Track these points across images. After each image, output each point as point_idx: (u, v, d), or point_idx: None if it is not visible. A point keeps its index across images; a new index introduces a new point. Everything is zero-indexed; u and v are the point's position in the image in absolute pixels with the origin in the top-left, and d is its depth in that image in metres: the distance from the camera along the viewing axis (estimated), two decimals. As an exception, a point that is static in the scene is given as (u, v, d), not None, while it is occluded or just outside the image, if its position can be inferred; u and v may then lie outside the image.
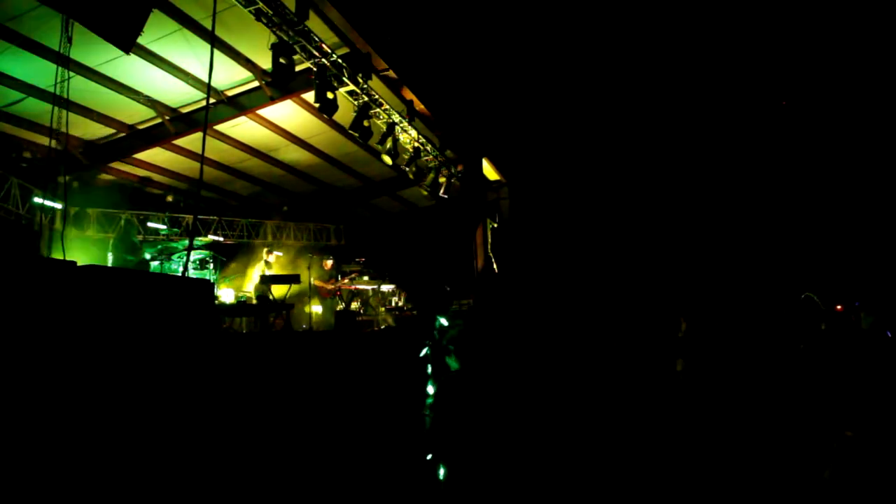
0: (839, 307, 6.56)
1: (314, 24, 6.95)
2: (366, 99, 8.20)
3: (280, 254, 10.54)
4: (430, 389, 4.76)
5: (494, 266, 11.35)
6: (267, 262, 9.62)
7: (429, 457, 4.24)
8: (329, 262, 10.19)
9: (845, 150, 12.44)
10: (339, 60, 7.51)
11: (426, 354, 5.05)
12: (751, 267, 12.54)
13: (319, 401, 4.75)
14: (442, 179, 11.15)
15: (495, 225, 12.44)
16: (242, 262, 10.47)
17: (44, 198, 8.99)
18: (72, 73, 6.76)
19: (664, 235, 14.13)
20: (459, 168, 11.62)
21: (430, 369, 4.98)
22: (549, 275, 13.21)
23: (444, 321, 5.12)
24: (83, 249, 9.14)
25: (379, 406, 5.30)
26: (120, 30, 5.34)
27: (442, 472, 4.14)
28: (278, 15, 6.36)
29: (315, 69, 7.26)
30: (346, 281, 10.35)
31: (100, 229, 10.38)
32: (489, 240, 11.79)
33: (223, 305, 7.72)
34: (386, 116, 8.84)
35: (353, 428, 4.81)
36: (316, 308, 9.97)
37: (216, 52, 6.47)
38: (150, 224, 9.85)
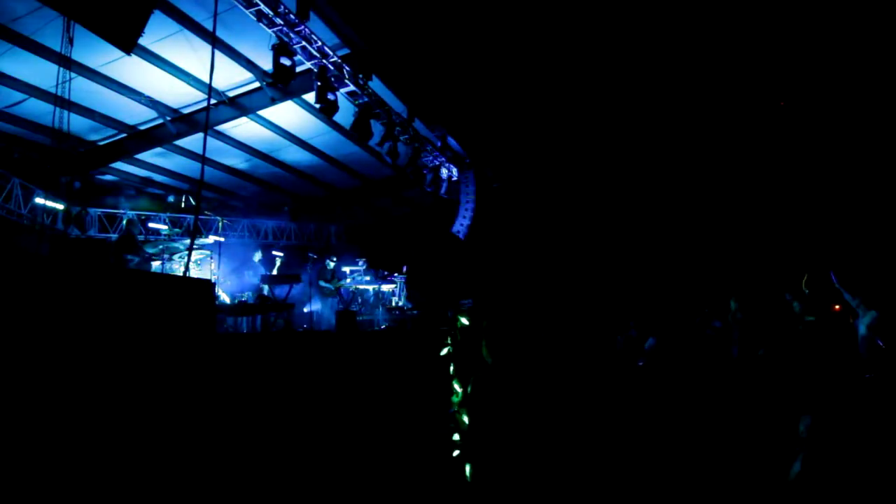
0: (837, 307, 6.54)
1: (315, 24, 6.97)
2: (366, 100, 8.22)
3: (281, 254, 10.56)
4: (456, 387, 4.76)
5: (491, 266, 11.36)
6: (268, 262, 9.65)
7: (456, 453, 4.24)
8: (332, 263, 10.22)
9: (833, 150, 12.49)
10: (340, 61, 7.54)
11: (449, 352, 5.04)
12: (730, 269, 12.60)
13: (321, 401, 4.77)
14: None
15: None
16: (243, 263, 10.50)
17: (45, 198, 9.03)
18: (73, 74, 6.80)
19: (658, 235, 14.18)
20: (460, 168, 11.65)
21: (452, 368, 4.98)
22: (536, 273, 13.24)
23: (464, 320, 5.11)
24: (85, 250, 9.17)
25: (382, 405, 5.32)
26: (121, 31, 5.36)
27: (468, 470, 4.15)
28: (279, 16, 6.39)
29: (316, 70, 7.29)
30: (346, 281, 10.38)
31: (101, 230, 10.42)
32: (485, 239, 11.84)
33: (224, 305, 7.73)
34: (386, 117, 8.87)
35: (356, 427, 4.83)
36: (316, 308, 9.99)
37: (217, 52, 6.49)
38: (151, 224, 9.86)
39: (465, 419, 4.21)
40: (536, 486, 3.93)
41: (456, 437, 4.35)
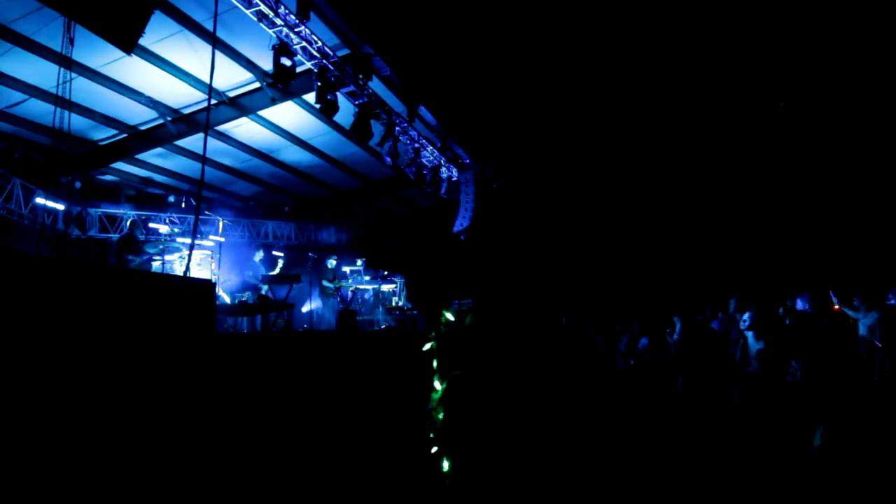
0: (836, 307, 6.56)
1: (315, 25, 6.98)
2: (366, 100, 8.22)
3: (281, 254, 10.57)
4: (437, 384, 4.76)
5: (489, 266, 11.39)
6: (269, 262, 9.65)
7: (434, 449, 4.25)
8: (332, 263, 10.24)
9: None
10: (340, 61, 7.55)
11: (432, 348, 5.04)
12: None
13: (322, 401, 4.77)
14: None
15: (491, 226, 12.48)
16: (244, 263, 10.50)
17: (46, 198, 9.03)
18: (74, 74, 6.80)
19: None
20: (460, 168, 11.65)
21: (435, 364, 4.99)
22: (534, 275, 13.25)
23: (450, 316, 5.10)
24: (86, 250, 9.20)
25: (382, 404, 5.32)
26: (121, 31, 5.37)
27: (446, 465, 4.16)
28: (279, 16, 6.40)
29: (316, 70, 7.30)
30: (346, 281, 10.39)
31: (102, 230, 10.42)
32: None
33: (224, 305, 7.74)
34: (387, 117, 8.87)
35: (356, 426, 4.83)
36: (317, 307, 10.00)
37: (217, 53, 6.50)
38: (151, 224, 9.88)
39: (441, 416, 4.22)
40: (512, 484, 3.94)
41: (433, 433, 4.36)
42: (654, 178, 14.26)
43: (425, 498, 4.10)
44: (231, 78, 8.03)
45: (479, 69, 10.46)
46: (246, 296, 8.52)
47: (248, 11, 6.27)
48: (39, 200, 8.99)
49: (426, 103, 9.16)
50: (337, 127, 9.62)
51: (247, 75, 7.99)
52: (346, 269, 10.77)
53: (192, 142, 9.33)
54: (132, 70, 7.45)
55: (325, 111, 7.43)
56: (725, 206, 14.17)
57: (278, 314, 7.82)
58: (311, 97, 7.56)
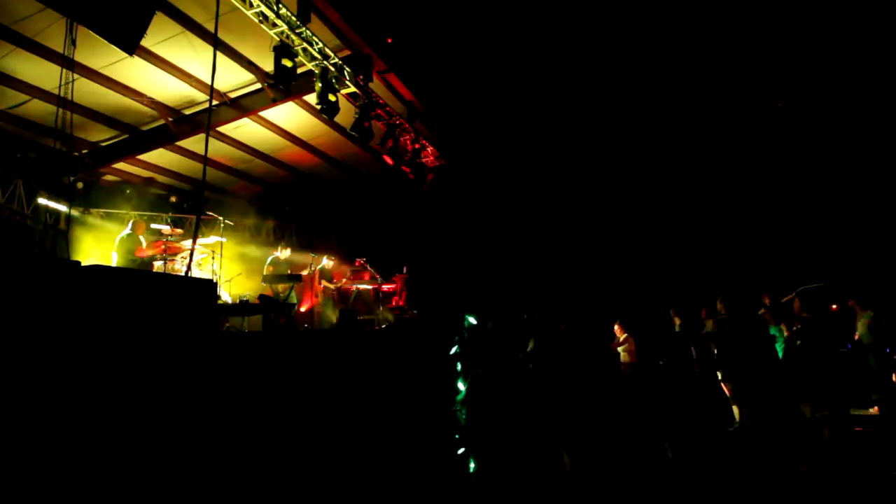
0: (834, 306, 6.58)
1: (316, 26, 7.01)
2: (367, 101, 8.26)
3: (281, 254, 10.59)
4: (461, 386, 4.81)
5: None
6: (269, 261, 9.68)
7: (461, 451, 4.30)
8: (331, 262, 10.27)
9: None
10: (341, 62, 7.58)
11: (456, 352, 5.10)
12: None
13: (323, 399, 4.80)
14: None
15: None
16: (244, 262, 10.54)
17: (49, 199, 9.08)
18: (76, 76, 6.84)
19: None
20: (460, 168, 11.68)
21: (459, 367, 5.03)
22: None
23: (472, 319, 5.16)
24: (87, 250, 9.24)
25: (382, 402, 5.35)
26: (123, 32, 5.41)
27: (472, 465, 4.20)
28: (280, 18, 6.44)
29: (317, 71, 7.33)
30: (345, 280, 10.42)
31: (104, 230, 10.45)
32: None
33: (226, 305, 7.78)
34: (387, 118, 8.91)
35: (357, 425, 4.86)
36: (317, 307, 10.03)
37: (219, 54, 6.53)
38: (153, 225, 9.90)
39: (463, 416, 4.26)
40: (537, 482, 3.96)
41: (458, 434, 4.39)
42: (646, 176, 14.29)
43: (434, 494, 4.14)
44: (232, 79, 8.07)
45: (481, 70, 10.48)
46: (247, 295, 8.56)
47: (248, 13, 6.31)
48: (42, 200, 9.03)
49: (427, 103, 9.20)
50: (337, 127, 9.65)
51: (248, 76, 8.03)
52: (346, 268, 10.80)
53: (194, 142, 9.38)
54: (134, 71, 7.49)
55: (326, 112, 7.47)
56: (722, 207, 14.19)
57: (279, 314, 7.85)
58: (311, 98, 7.60)
